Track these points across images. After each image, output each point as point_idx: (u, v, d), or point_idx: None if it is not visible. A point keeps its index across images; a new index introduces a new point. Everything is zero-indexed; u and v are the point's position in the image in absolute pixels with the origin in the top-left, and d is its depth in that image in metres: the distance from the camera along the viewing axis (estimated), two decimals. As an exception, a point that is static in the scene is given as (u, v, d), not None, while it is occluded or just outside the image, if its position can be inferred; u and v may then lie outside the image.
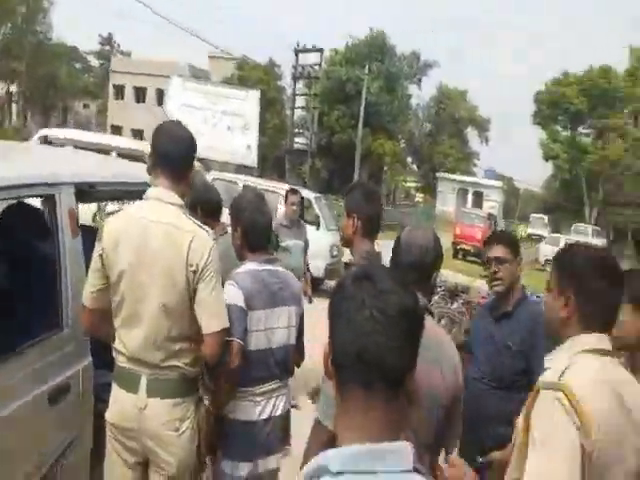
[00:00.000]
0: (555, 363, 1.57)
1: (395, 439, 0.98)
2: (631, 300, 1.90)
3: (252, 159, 20.90)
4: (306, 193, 11.46)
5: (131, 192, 2.93)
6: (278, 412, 2.55)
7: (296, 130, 28.90)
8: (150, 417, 2.17)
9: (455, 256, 22.55)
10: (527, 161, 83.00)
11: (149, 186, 2.80)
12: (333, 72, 33.69)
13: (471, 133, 50.83)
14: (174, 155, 2.23)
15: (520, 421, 1.55)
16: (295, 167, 31.34)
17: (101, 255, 2.20)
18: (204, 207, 3.16)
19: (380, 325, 0.98)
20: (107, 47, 54.83)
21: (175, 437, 2.20)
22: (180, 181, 2.25)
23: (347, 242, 2.57)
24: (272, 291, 2.52)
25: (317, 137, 28.94)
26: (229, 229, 2.79)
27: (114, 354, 2.27)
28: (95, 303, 2.24)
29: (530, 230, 36.30)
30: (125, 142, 9.60)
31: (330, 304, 1.06)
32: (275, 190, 10.50)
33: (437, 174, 44.95)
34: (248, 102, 20.36)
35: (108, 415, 2.27)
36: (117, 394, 2.24)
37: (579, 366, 1.49)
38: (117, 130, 33.29)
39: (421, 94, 64.49)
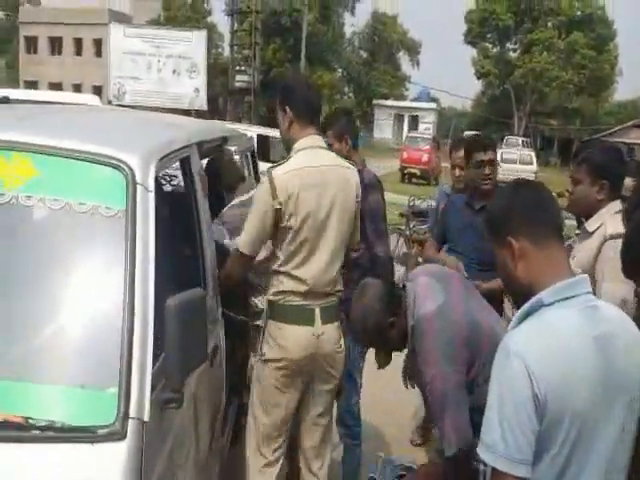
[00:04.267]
0: (598, 221, 2.29)
1: (573, 275, 1.40)
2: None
3: (201, 102, 20.94)
4: (273, 132, 12.06)
5: (215, 147, 3.05)
6: None
7: (237, 68, 28.61)
8: (326, 341, 2.41)
9: (402, 180, 23.09)
10: (460, 81, 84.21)
11: (225, 141, 3.15)
12: (267, 4, 33.07)
13: (403, 58, 51.26)
14: (316, 104, 2.46)
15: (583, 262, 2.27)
16: (238, 106, 31.17)
17: (279, 209, 2.29)
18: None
19: (552, 200, 1.46)
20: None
21: (340, 354, 2.51)
22: (319, 126, 2.49)
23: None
24: None
25: (257, 72, 28.81)
26: None
27: (279, 297, 2.38)
28: (256, 252, 2.40)
29: (465, 147, 36.89)
30: (75, 97, 9.84)
31: (512, 209, 1.43)
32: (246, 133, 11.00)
33: (373, 102, 45.42)
34: (194, 43, 20.19)
35: (277, 354, 2.38)
36: (290, 331, 2.38)
37: (618, 218, 2.20)
38: (32, 85, 31.67)
39: (355, 22, 63.42)
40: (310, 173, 2.34)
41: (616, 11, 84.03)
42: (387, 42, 47.57)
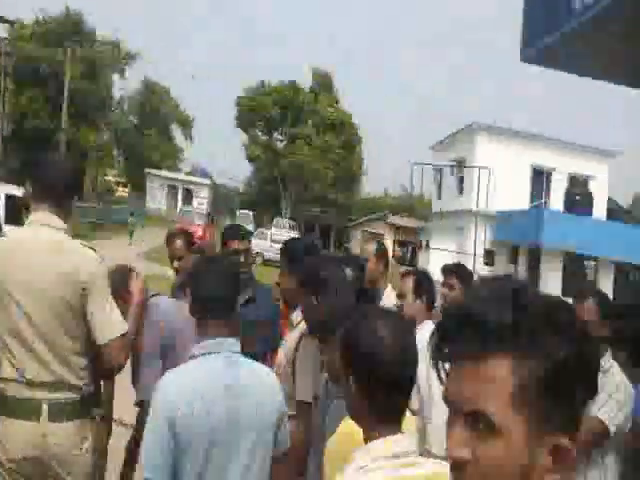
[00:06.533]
0: None
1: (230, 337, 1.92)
2: None
3: None
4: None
5: None
6: None
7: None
8: (56, 442, 2.21)
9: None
10: (232, 159, 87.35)
11: None
12: (21, 49, 30.37)
13: (176, 130, 51.12)
14: (50, 183, 2.35)
15: None
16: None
17: None
18: None
19: (222, 276, 2.00)
20: None
21: (79, 457, 2.29)
22: (63, 206, 2.37)
23: None
24: None
25: (7, 120, 25.58)
26: None
27: (1, 386, 2.24)
28: None
29: (237, 226, 37.88)
30: None
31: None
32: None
33: (145, 170, 44.04)
34: None
35: None
36: (9, 425, 2.20)
37: None
38: None
39: (125, 85, 62.29)
40: (18, 247, 2.29)
41: (362, 119, 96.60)
42: (159, 111, 47.09)
